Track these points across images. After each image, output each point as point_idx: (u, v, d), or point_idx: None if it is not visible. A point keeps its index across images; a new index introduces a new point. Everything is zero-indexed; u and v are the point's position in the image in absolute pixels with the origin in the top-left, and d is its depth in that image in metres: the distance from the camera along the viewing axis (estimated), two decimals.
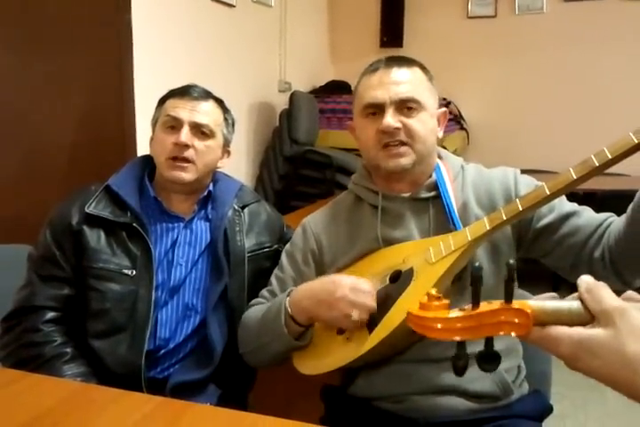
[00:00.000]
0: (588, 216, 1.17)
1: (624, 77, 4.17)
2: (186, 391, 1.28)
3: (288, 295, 1.20)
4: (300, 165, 3.71)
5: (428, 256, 1.11)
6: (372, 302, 1.11)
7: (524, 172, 1.28)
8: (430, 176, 1.24)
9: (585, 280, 0.62)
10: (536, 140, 4.40)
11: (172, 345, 1.34)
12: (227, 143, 1.45)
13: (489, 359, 0.62)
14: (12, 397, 0.99)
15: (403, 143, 1.18)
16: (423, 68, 1.25)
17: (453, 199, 1.19)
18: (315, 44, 4.65)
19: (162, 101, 1.41)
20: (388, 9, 4.66)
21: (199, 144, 1.35)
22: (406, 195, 1.24)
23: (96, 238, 1.31)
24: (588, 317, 0.59)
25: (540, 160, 4.15)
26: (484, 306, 0.61)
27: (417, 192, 1.23)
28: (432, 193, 1.22)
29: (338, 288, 1.11)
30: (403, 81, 1.19)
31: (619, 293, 0.63)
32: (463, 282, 1.15)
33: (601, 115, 4.23)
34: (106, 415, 0.94)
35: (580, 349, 0.57)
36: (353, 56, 4.70)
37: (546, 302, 0.61)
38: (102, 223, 1.32)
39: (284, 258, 1.35)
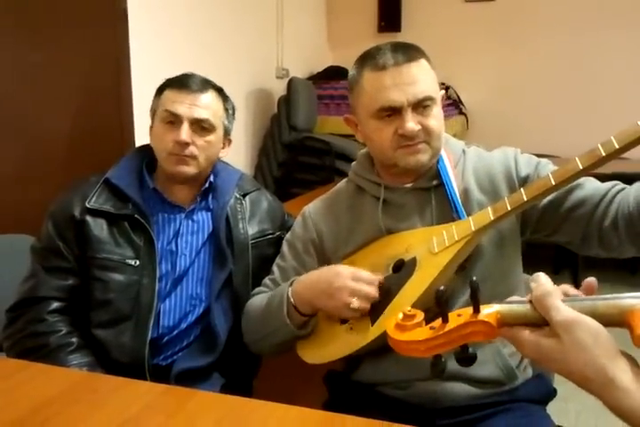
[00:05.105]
0: (591, 187, 1.14)
1: (624, 61, 4.14)
2: (190, 379, 1.28)
3: (290, 285, 1.20)
4: (299, 151, 3.69)
5: (431, 246, 1.10)
6: (372, 291, 1.10)
7: None
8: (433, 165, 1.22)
9: (535, 287, 0.68)
10: (535, 125, 4.37)
11: (175, 333, 1.34)
12: (227, 133, 1.43)
13: (466, 361, 0.69)
14: (16, 386, 0.99)
15: (420, 141, 1.15)
16: (425, 55, 1.19)
17: (455, 187, 1.18)
18: (312, 30, 4.60)
19: (159, 91, 1.38)
20: None
21: (200, 140, 1.33)
22: (409, 185, 1.22)
23: (99, 229, 1.31)
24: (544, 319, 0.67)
25: (540, 144, 4.12)
26: (453, 320, 0.68)
27: (419, 182, 1.21)
28: (434, 182, 1.20)
29: (338, 278, 1.11)
30: (416, 79, 1.13)
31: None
32: (467, 272, 1.14)
33: (600, 98, 4.21)
34: (109, 404, 0.95)
35: (540, 354, 0.66)
36: (351, 41, 4.66)
37: (512, 306, 0.69)
38: (105, 215, 1.32)
39: (285, 247, 1.34)
